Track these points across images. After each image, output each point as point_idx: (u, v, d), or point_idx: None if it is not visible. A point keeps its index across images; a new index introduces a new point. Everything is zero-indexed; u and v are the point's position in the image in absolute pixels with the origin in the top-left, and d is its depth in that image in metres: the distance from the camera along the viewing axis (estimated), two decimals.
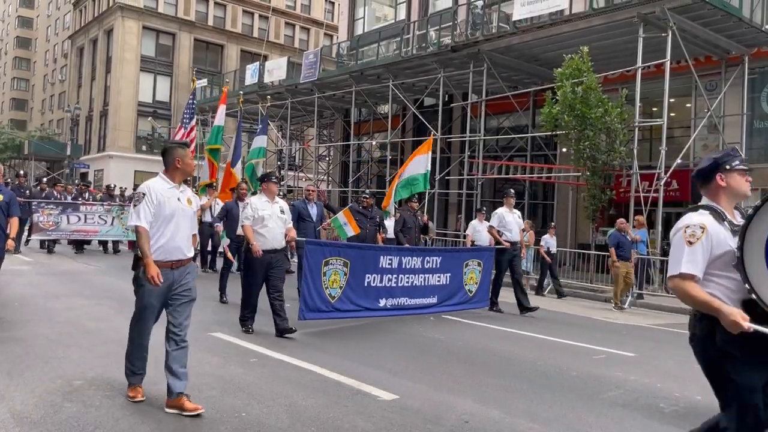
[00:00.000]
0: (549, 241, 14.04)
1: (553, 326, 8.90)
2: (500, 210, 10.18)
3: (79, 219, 15.29)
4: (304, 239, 7.89)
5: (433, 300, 8.77)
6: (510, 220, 10.02)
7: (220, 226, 10.87)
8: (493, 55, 17.77)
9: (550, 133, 15.91)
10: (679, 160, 14.98)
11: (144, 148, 39.52)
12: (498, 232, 9.95)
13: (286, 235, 7.00)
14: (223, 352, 5.96)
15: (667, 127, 14.71)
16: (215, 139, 13.64)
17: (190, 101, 13.89)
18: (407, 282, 8.34)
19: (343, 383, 5.07)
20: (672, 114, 17.01)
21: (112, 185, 19.20)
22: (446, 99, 21.00)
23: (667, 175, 14.31)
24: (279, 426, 4.00)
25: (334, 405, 4.46)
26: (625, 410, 4.81)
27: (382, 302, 8.05)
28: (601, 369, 6.23)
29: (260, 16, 43.09)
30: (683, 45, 14.11)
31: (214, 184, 13.19)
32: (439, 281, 8.84)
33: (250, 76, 26.63)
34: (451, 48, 18.47)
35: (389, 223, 11.41)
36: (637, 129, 14.72)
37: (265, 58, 35.10)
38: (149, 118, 38.89)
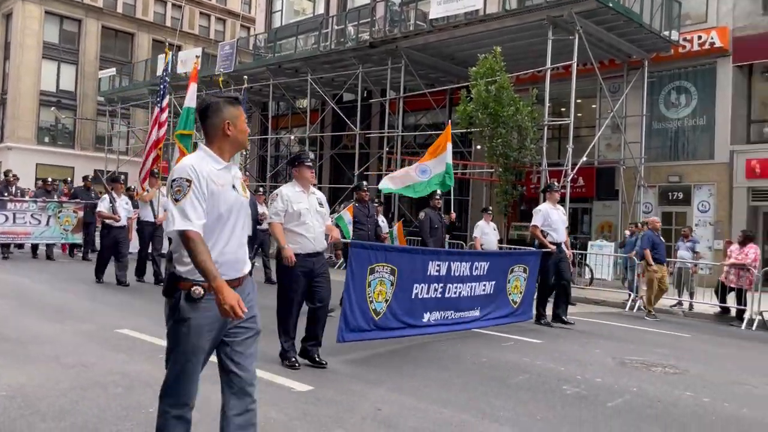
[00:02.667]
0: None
1: None
2: (544, 206, 8.75)
3: (6, 219, 13.04)
4: (350, 240, 6.98)
5: (476, 313, 7.61)
6: (556, 218, 8.66)
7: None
8: (411, 52, 18.01)
9: (465, 130, 16.30)
10: (584, 158, 15.72)
11: (47, 139, 37.29)
12: (542, 232, 8.61)
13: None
14: (129, 349, 5.75)
15: (574, 126, 15.42)
16: (185, 123, 11.32)
17: (164, 76, 11.63)
18: (454, 292, 7.15)
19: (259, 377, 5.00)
20: (579, 114, 17.85)
21: (49, 178, 16.32)
22: (365, 95, 21.07)
23: (574, 172, 14.98)
24: None
25: None
26: (531, 393, 5.03)
27: (426, 317, 6.85)
28: (510, 355, 6.47)
29: (173, 5, 41.62)
30: (589, 48, 14.81)
31: (157, 171, 11.00)
32: (484, 290, 7.67)
33: (162, 67, 25.66)
34: (369, 44, 18.56)
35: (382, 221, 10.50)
36: (546, 128, 15.33)
37: (179, 48, 33.97)
38: (52, 108, 36.71)
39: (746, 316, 10.52)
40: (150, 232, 10.53)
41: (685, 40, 16.60)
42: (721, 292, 11.21)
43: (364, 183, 9.72)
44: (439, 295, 6.94)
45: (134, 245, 11.21)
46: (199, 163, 2.80)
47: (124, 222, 10.47)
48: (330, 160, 24.10)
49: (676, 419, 4.53)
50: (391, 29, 18.55)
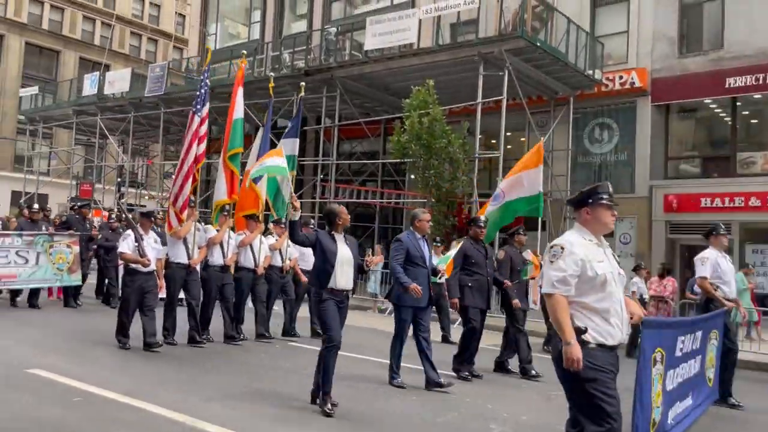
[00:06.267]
0: (640, 285, 10.97)
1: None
2: (710, 253, 7.05)
3: None
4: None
5: (689, 401, 5.59)
6: (726, 268, 7.02)
7: None
8: (346, 81, 18.12)
9: (398, 160, 16.47)
10: None
11: None
12: (713, 285, 6.92)
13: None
14: (40, 391, 5.40)
15: (504, 158, 15.81)
16: (237, 139, 9.18)
17: (204, 78, 9.22)
18: (680, 375, 5.21)
19: (177, 421, 4.78)
20: (508, 146, 18.34)
21: (35, 205, 12.53)
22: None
23: None
24: None
25: None
26: None
27: (670, 417, 4.89)
28: (439, 396, 6.44)
29: (103, 23, 40.47)
30: (518, 84, 15.31)
31: (193, 200, 8.82)
32: (695, 369, 5.73)
33: (89, 87, 24.81)
34: (305, 72, 18.56)
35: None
36: (477, 160, 15.67)
37: (107, 67, 33.01)
38: None
39: None
40: (182, 277, 8.28)
41: (607, 79, 17.41)
42: None
43: (482, 218, 7.96)
44: (676, 384, 5.06)
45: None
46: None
47: (154, 266, 7.92)
48: None
49: None
50: (326, 58, 18.63)
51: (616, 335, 3.45)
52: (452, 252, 6.97)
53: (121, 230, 11.60)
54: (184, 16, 43.79)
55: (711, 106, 17.01)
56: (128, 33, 42.15)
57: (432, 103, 14.99)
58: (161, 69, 22.76)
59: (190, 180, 8.40)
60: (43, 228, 11.68)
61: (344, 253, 5.53)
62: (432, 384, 6.43)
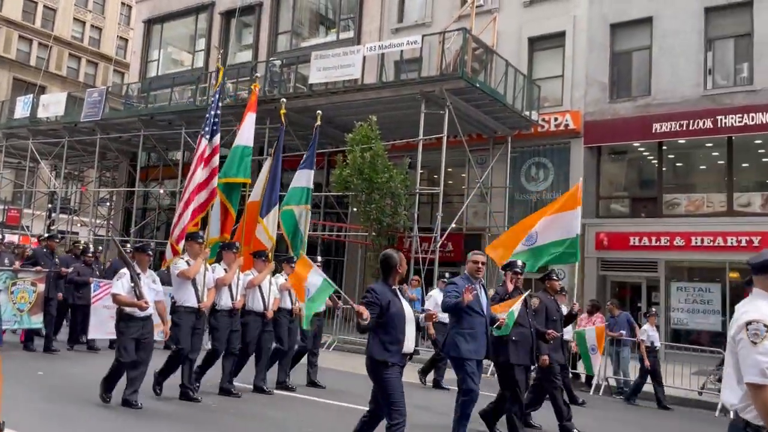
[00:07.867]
0: (651, 333, 10.74)
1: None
2: None
3: None
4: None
5: None
6: None
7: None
8: (290, 113, 18.09)
9: (341, 193, 16.55)
10: (453, 225, 16.44)
11: None
12: None
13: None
14: None
15: (444, 194, 16.13)
16: (238, 167, 8.17)
17: (214, 102, 8.28)
18: None
19: None
20: (449, 182, 18.75)
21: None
22: None
23: (443, 237, 15.58)
24: None
25: None
26: None
27: None
28: None
29: (40, 44, 39.34)
30: (458, 122, 15.73)
31: (202, 236, 7.64)
32: None
33: (21, 109, 23.95)
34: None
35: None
36: (418, 195, 15.92)
37: (43, 89, 32.04)
38: None
39: (594, 382, 11.27)
40: (191, 323, 7.12)
41: (543, 120, 18.09)
42: (572, 358, 11.93)
43: (519, 262, 7.01)
44: None
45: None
46: None
47: (151, 310, 6.73)
48: None
49: None
50: (270, 89, 18.66)
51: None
52: (517, 305, 6.17)
53: (95, 265, 10.83)
54: (126, 41, 43.08)
55: (639, 149, 17.88)
56: (67, 55, 41.07)
57: (374, 138, 15.21)
58: (99, 94, 22.25)
59: (191, 208, 7.42)
60: (6, 260, 10.18)
61: (408, 311, 4.75)
62: None
